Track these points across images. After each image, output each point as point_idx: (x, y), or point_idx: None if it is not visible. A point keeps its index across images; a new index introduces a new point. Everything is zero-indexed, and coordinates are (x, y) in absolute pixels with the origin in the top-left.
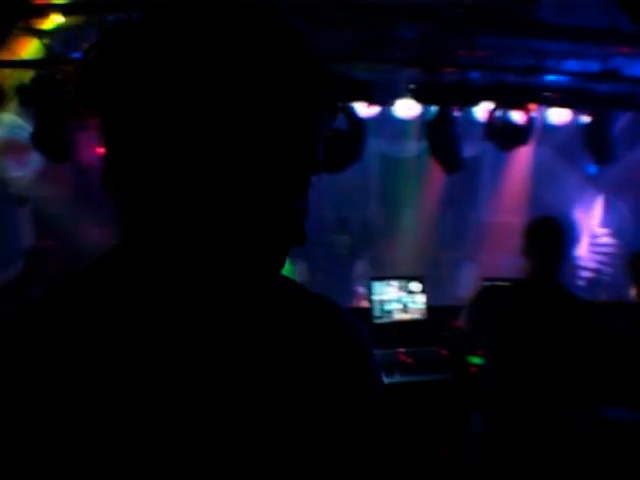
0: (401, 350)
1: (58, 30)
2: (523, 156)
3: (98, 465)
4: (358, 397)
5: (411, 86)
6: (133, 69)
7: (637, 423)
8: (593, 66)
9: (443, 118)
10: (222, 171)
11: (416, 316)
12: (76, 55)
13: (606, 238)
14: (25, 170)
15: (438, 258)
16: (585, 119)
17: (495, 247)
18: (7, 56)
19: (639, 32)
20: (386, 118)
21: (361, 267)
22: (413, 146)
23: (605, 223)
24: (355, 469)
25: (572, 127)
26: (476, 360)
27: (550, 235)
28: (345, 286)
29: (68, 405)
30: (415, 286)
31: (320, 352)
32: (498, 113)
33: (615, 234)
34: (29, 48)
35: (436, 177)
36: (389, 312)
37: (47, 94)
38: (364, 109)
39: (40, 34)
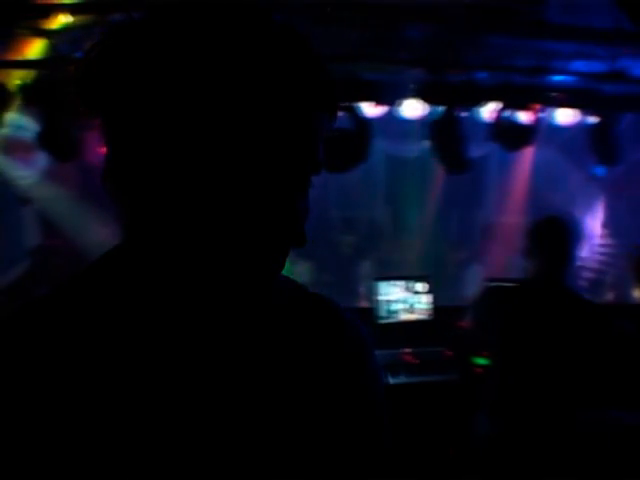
0: (406, 351)
1: (64, 30)
2: (529, 157)
3: (98, 464)
4: (358, 397)
5: (417, 86)
6: (133, 69)
7: None
8: (600, 67)
9: (448, 118)
10: (222, 171)
11: (421, 316)
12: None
13: (609, 239)
14: (30, 169)
15: (444, 258)
16: (592, 120)
17: (501, 247)
18: (12, 56)
19: None
20: (392, 118)
21: (366, 267)
22: (419, 146)
23: (608, 224)
24: (354, 469)
25: (578, 128)
26: (481, 361)
27: (556, 235)
28: (350, 286)
29: (67, 404)
30: (420, 286)
31: (320, 352)
32: (504, 113)
33: (618, 235)
34: (34, 48)
35: (442, 177)
36: (394, 312)
37: (52, 94)
38: (370, 109)
39: (45, 34)
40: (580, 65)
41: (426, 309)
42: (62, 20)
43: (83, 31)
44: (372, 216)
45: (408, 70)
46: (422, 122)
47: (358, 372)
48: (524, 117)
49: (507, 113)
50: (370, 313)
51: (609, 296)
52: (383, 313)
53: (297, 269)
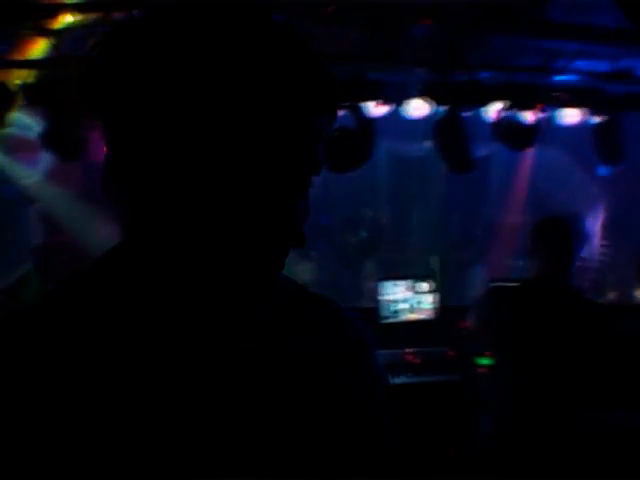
0: (408, 350)
1: (67, 29)
2: (533, 156)
3: (97, 465)
4: (358, 397)
5: (421, 86)
6: (133, 69)
7: None
8: (604, 66)
9: (452, 118)
10: (222, 172)
11: (424, 316)
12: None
13: (612, 239)
14: (34, 168)
15: (447, 258)
16: (596, 119)
17: (504, 247)
18: (16, 56)
19: None
20: (396, 118)
21: (370, 267)
22: (423, 146)
23: (611, 223)
24: (353, 469)
25: (583, 127)
26: (484, 361)
27: (559, 235)
28: (354, 286)
29: (65, 405)
30: (423, 286)
31: (321, 352)
32: (507, 113)
33: (621, 235)
34: (38, 47)
35: (446, 177)
36: (397, 312)
37: (56, 93)
38: (374, 109)
39: (49, 33)
40: (584, 64)
41: (429, 309)
42: (65, 19)
43: (86, 30)
44: (375, 216)
45: (412, 70)
46: (427, 122)
47: (359, 372)
48: (528, 117)
49: (511, 113)
50: (373, 313)
51: (612, 296)
52: (386, 313)
53: (300, 268)
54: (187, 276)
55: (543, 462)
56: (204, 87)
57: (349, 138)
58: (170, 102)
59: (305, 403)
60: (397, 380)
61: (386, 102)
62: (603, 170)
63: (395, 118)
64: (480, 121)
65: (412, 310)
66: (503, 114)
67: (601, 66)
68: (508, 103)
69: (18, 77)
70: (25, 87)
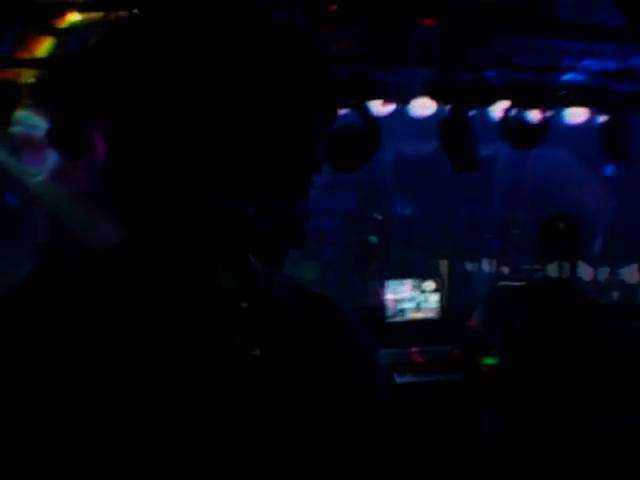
0: (413, 350)
1: (73, 28)
2: (538, 155)
3: (95, 462)
4: (359, 397)
5: (426, 85)
6: (133, 69)
7: None
8: (611, 65)
9: (458, 117)
10: (221, 171)
11: (429, 315)
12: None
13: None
14: (41, 167)
15: (454, 257)
16: (602, 118)
17: (511, 246)
18: (22, 55)
19: None
20: (402, 117)
21: (376, 266)
22: (429, 145)
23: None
24: (353, 469)
25: (589, 126)
26: (489, 360)
27: (565, 234)
28: (360, 285)
29: (64, 402)
30: (429, 285)
31: (321, 351)
32: (513, 112)
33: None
34: (44, 46)
35: (453, 176)
36: (402, 311)
37: (61, 92)
38: (379, 108)
39: (54, 32)
40: (591, 63)
41: (434, 308)
42: (71, 18)
43: (92, 29)
44: (382, 215)
45: (417, 68)
46: (432, 121)
47: (360, 372)
48: (534, 116)
49: (516, 112)
50: (378, 312)
51: (615, 296)
52: (391, 312)
53: (305, 267)
54: (186, 274)
55: (546, 461)
56: (203, 86)
57: (354, 137)
58: (169, 101)
59: (304, 402)
60: (402, 379)
61: (391, 101)
62: (609, 169)
63: (401, 117)
64: (485, 120)
65: (417, 309)
66: (509, 113)
67: (608, 65)
68: (513, 102)
69: (24, 76)
70: (31, 86)
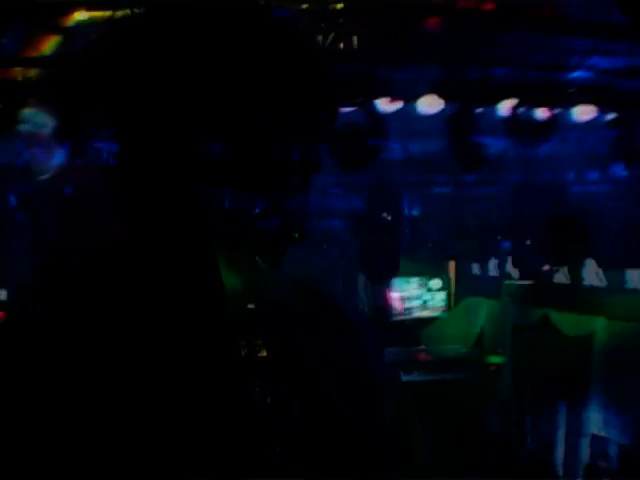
0: (420, 348)
1: (79, 27)
2: (546, 153)
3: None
4: (356, 394)
5: (434, 83)
6: (132, 67)
7: None
8: (619, 63)
9: (465, 115)
10: (221, 170)
11: (436, 313)
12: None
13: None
14: (50, 164)
15: (461, 256)
16: (610, 116)
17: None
18: (29, 53)
19: None
20: (409, 115)
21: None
22: (436, 143)
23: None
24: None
25: (598, 124)
26: (495, 359)
27: (573, 233)
28: (364, 285)
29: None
30: (435, 284)
31: (323, 350)
32: (521, 110)
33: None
34: (50, 45)
35: (460, 174)
36: (409, 309)
37: (68, 90)
38: (385, 106)
39: (60, 31)
40: (599, 61)
41: (441, 306)
42: (77, 17)
43: (98, 28)
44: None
45: (425, 66)
46: (439, 118)
47: (358, 369)
48: (541, 113)
49: (524, 109)
50: (384, 310)
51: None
52: (398, 310)
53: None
54: (189, 274)
55: (548, 461)
56: (203, 85)
57: (360, 136)
58: (169, 99)
59: (307, 403)
60: (408, 378)
61: (397, 99)
62: (617, 168)
63: (407, 115)
64: (493, 118)
65: (424, 307)
66: (516, 111)
67: (616, 63)
68: (521, 100)
69: (30, 74)
70: (37, 84)
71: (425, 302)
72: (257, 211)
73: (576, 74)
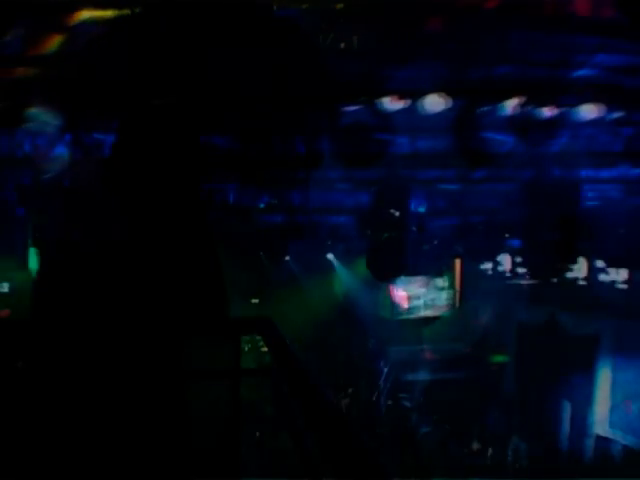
0: (425, 347)
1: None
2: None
3: None
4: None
5: (439, 81)
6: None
7: None
8: (625, 60)
9: (471, 113)
10: (225, 165)
11: (439, 313)
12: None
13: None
14: (54, 163)
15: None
16: (616, 114)
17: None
18: (33, 52)
19: None
20: (414, 113)
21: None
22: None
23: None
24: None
25: (604, 122)
26: (499, 358)
27: (581, 232)
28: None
29: None
30: (440, 282)
31: None
32: (527, 108)
33: None
34: (54, 44)
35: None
36: (412, 309)
37: (73, 89)
38: (391, 104)
39: (65, 30)
40: (604, 59)
41: (446, 305)
42: (81, 16)
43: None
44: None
45: (431, 64)
46: (444, 116)
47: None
48: (546, 112)
49: (529, 107)
50: (390, 309)
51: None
52: (402, 309)
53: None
54: (192, 272)
55: (549, 460)
56: (206, 80)
57: (366, 133)
58: (174, 97)
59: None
60: (414, 377)
61: (404, 97)
62: (623, 167)
63: (413, 113)
64: (499, 116)
65: (427, 306)
66: (523, 108)
67: (622, 60)
68: (527, 98)
69: (35, 74)
70: (43, 83)
71: (430, 301)
72: (267, 207)
73: (582, 72)
